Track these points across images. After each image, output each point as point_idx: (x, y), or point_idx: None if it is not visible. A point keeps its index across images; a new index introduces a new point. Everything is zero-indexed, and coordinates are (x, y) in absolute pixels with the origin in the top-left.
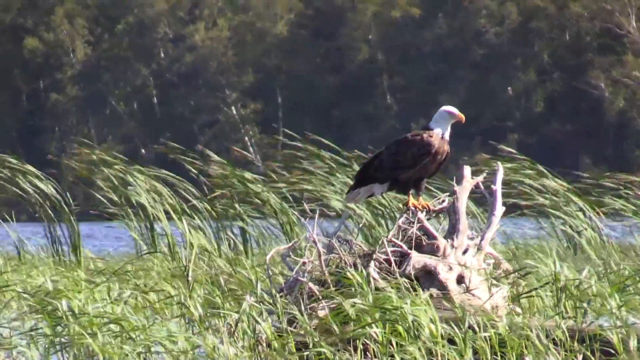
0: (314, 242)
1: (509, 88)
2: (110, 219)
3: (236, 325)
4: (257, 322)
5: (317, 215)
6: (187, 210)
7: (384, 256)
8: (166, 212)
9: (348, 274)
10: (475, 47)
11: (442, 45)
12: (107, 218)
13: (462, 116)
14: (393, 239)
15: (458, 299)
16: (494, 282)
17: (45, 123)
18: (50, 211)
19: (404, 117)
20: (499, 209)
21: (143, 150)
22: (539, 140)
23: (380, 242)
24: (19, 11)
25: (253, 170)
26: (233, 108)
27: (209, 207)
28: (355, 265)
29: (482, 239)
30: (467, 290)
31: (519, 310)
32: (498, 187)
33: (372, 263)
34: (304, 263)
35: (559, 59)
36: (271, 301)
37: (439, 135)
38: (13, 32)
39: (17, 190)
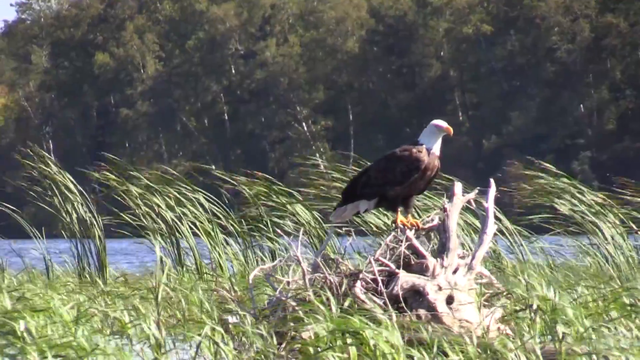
0: (298, 260)
1: (580, 105)
2: (142, 236)
3: (197, 349)
4: (217, 345)
5: (301, 233)
6: (209, 228)
7: (370, 276)
8: (193, 229)
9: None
10: (547, 64)
11: (514, 62)
12: (140, 235)
13: (451, 129)
14: (380, 258)
15: (447, 320)
16: (485, 302)
17: (115, 139)
18: (78, 226)
19: (475, 133)
20: (491, 227)
21: (214, 167)
22: (611, 158)
23: (367, 261)
24: (89, 27)
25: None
26: (304, 124)
27: (236, 226)
28: (341, 285)
29: (473, 258)
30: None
31: (509, 332)
32: (490, 205)
33: (358, 283)
34: (287, 283)
35: (631, 76)
36: (250, 322)
37: (429, 151)
38: (83, 47)
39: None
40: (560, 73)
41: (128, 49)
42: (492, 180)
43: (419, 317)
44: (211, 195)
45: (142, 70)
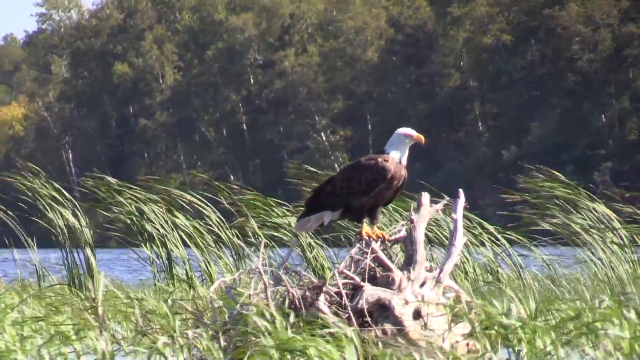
0: (259, 273)
1: (601, 116)
2: (136, 246)
3: None
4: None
5: (262, 244)
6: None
7: (334, 289)
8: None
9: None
10: (568, 74)
11: (534, 72)
12: (134, 244)
13: (422, 137)
14: (344, 271)
15: (414, 335)
16: (454, 317)
17: (134, 148)
18: (67, 236)
19: (495, 144)
20: (460, 239)
21: (232, 177)
22: (633, 169)
23: (331, 273)
24: (108, 37)
25: None
26: (322, 134)
27: (230, 235)
28: (304, 298)
29: (441, 271)
30: (424, 326)
31: (478, 347)
32: (459, 216)
33: (322, 296)
34: (249, 295)
35: None
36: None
37: (396, 160)
38: (103, 57)
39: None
40: (581, 83)
41: (147, 59)
42: (460, 191)
43: (384, 332)
44: (209, 204)
45: (161, 80)
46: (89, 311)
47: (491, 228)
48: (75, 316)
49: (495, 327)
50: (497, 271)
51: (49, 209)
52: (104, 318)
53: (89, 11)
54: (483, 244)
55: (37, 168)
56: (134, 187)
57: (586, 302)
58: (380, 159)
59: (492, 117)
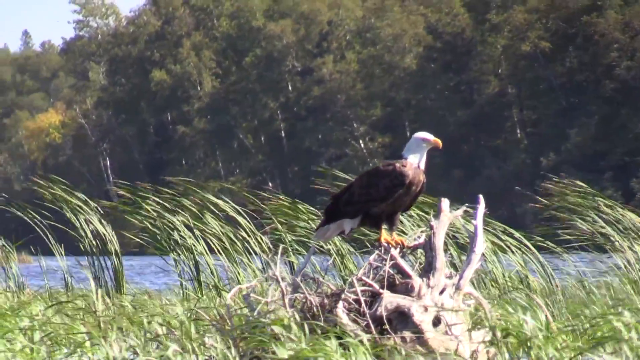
0: (277, 280)
1: None
2: (165, 253)
3: None
4: None
5: (280, 251)
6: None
7: (353, 296)
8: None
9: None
10: (606, 81)
11: (573, 79)
12: (163, 251)
13: (439, 142)
14: (363, 278)
15: (434, 342)
16: (474, 324)
17: (172, 156)
18: (94, 243)
19: (533, 151)
20: (480, 246)
21: (270, 184)
22: None
23: (349, 280)
24: (146, 44)
25: None
26: (361, 142)
27: (260, 242)
28: (322, 306)
29: (460, 278)
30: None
31: (498, 354)
32: (479, 223)
33: (340, 303)
34: (266, 303)
35: None
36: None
37: (414, 165)
38: (140, 64)
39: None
40: (620, 90)
41: (185, 65)
42: (480, 197)
43: (403, 339)
44: (240, 210)
45: (199, 87)
46: (97, 320)
47: (518, 234)
48: (89, 324)
49: (515, 334)
50: (527, 277)
51: (76, 218)
52: (105, 329)
53: (127, 18)
54: (509, 251)
55: (59, 178)
56: (168, 191)
57: (609, 309)
58: (398, 165)
59: (531, 124)
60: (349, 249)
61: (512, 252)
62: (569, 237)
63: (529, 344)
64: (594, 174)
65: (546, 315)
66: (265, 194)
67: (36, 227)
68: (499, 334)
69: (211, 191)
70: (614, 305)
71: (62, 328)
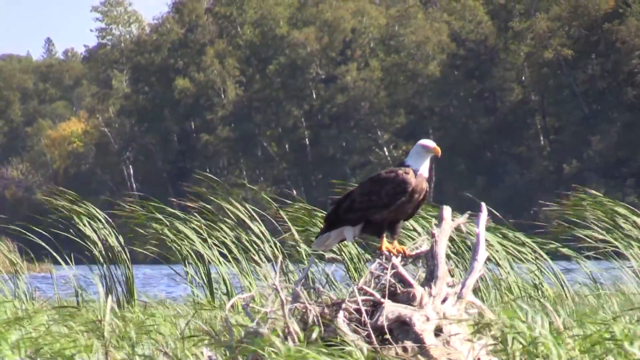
0: (276, 289)
1: None
2: (176, 263)
3: None
4: None
5: (280, 260)
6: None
7: (354, 305)
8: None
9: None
10: (628, 87)
11: (595, 86)
12: (174, 261)
13: (438, 150)
14: (364, 287)
15: (436, 352)
16: (476, 333)
17: (196, 164)
18: (105, 253)
19: (556, 158)
20: (482, 254)
21: (294, 192)
22: None
23: (350, 290)
24: (169, 52)
25: None
26: (385, 149)
27: (275, 250)
28: (322, 315)
29: (463, 287)
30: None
31: None
32: (481, 231)
33: (340, 313)
34: (265, 313)
35: None
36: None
37: (416, 172)
38: (163, 72)
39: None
40: None
41: (208, 73)
42: (483, 204)
43: (405, 349)
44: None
45: (222, 95)
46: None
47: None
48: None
49: (520, 341)
50: (542, 284)
51: (88, 228)
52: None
53: (149, 25)
54: (523, 259)
55: (66, 190)
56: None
57: (617, 317)
58: (400, 172)
59: (554, 131)
60: (364, 257)
61: (525, 260)
62: (586, 238)
63: (535, 350)
64: (616, 181)
65: (556, 322)
66: (287, 200)
67: (51, 238)
68: (500, 342)
69: (235, 197)
70: (621, 312)
71: (58, 341)
